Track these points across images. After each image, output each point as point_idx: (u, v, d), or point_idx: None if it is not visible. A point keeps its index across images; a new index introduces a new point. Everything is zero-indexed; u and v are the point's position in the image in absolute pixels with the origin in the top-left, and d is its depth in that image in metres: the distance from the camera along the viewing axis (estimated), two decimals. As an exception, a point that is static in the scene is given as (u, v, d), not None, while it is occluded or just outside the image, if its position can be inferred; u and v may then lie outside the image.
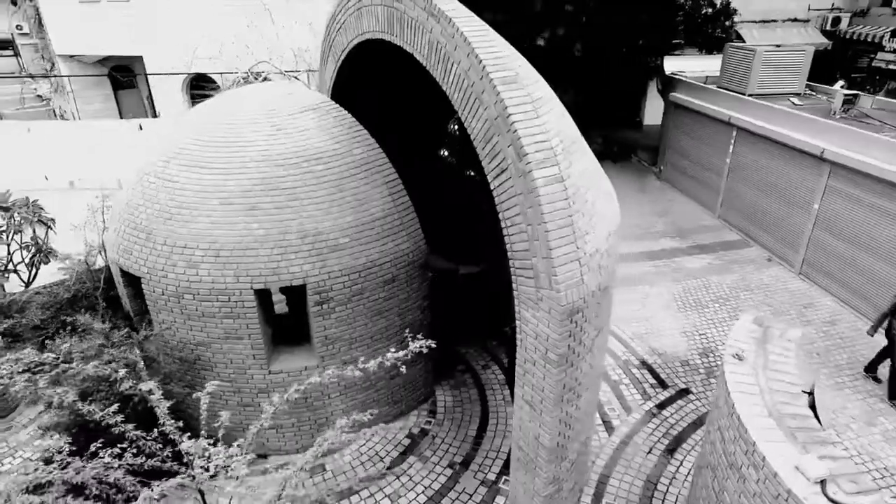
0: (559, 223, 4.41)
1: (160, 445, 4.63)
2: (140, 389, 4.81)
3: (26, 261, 8.44)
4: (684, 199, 15.10)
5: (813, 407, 4.84)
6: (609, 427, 7.24)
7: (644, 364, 8.42)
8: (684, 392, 7.86)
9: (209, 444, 4.33)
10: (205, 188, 5.95)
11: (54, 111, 25.15)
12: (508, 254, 4.82)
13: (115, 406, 4.70)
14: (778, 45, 14.14)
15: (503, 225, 4.78)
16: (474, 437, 7.11)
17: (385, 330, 6.72)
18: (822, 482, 3.69)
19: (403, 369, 5.17)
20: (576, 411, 5.20)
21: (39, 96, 29.48)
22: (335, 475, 6.57)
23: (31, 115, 24.90)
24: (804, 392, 5.04)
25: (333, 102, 6.87)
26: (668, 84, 15.96)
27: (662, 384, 8.00)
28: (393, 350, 4.77)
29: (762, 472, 3.99)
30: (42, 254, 8.22)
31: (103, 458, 4.36)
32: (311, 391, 6.55)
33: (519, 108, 4.46)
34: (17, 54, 34.68)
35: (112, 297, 6.96)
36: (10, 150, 14.97)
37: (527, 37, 14.97)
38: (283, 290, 6.39)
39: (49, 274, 8.10)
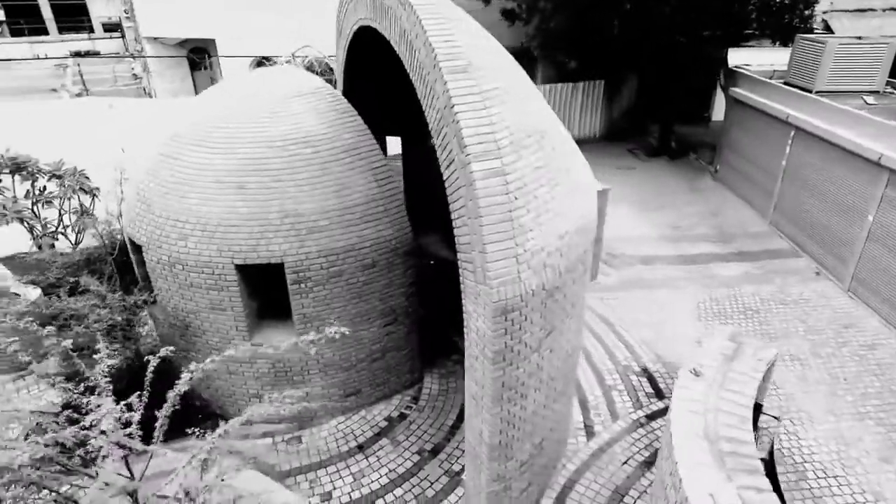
0: (496, 218, 4.32)
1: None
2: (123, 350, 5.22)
3: (72, 225, 9.31)
4: (737, 201, 14.11)
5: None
6: (590, 432, 7.02)
7: (645, 371, 8.05)
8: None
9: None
10: (199, 166, 6.30)
11: (144, 89, 27.30)
12: (457, 246, 4.79)
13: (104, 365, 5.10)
14: (859, 38, 12.78)
15: (452, 217, 4.75)
16: (450, 427, 7.13)
17: (366, 313, 6.86)
18: (731, 513, 3.44)
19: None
20: (522, 411, 5.10)
21: (135, 75, 32.07)
22: (308, 448, 6.83)
23: (123, 93, 27.15)
24: (773, 416, 4.68)
25: (330, 88, 7.03)
26: (730, 78, 14.89)
27: (659, 394, 7.63)
28: (332, 332, 4.86)
29: (679, 496, 3.76)
30: (84, 219, 9.03)
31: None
32: (290, 365, 6.86)
33: (464, 98, 4.39)
34: (123, 36, 37.70)
35: (128, 264, 7.56)
36: (93, 124, 16.45)
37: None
38: (265, 267, 6.65)
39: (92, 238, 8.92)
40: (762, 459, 4.41)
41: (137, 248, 6.85)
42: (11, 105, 18.04)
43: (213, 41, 20.77)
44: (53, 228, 9.23)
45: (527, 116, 4.89)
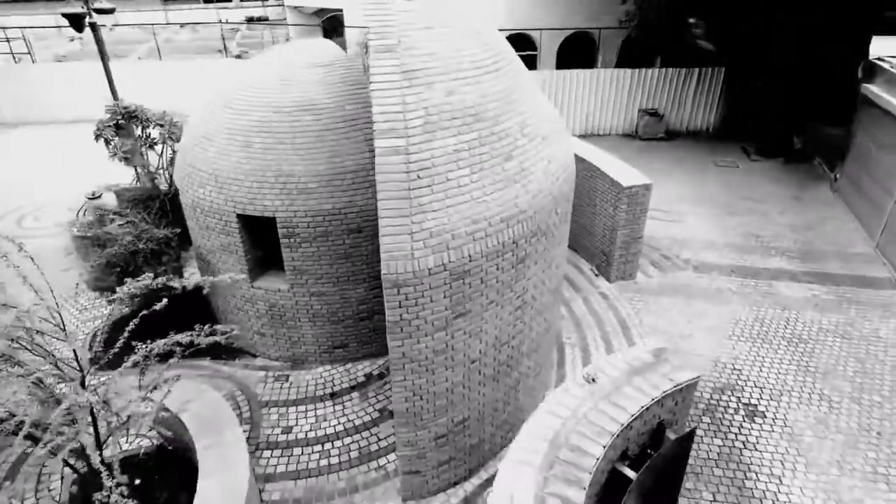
0: (392, 194, 4.51)
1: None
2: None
3: (165, 167, 10.98)
4: (847, 216, 12.19)
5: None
6: (551, 427, 6.90)
7: (638, 380, 7.60)
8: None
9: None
10: (220, 124, 7.17)
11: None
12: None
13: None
14: None
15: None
16: (419, 394, 7.44)
17: (352, 274, 7.36)
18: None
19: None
20: (431, 385, 5.28)
21: (287, 39, 35.36)
22: (291, 386, 7.60)
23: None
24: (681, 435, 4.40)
25: (347, 60, 7.47)
26: (869, 72, 12.68)
27: (642, 405, 7.19)
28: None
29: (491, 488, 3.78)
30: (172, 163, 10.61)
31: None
32: (285, 311, 7.63)
33: (382, 76, 4.59)
34: (281, 4, 41.55)
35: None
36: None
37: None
38: (262, 220, 7.31)
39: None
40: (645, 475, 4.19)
41: (177, 192, 8.01)
42: (180, 63, 21.00)
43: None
44: (153, 168, 10.95)
45: (462, 99, 4.91)
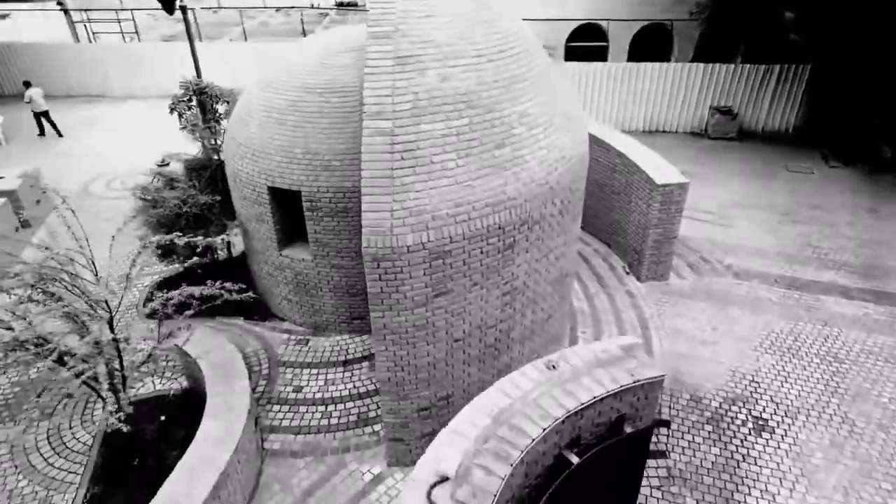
0: (376, 173, 4.79)
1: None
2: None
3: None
4: (928, 234, 11.09)
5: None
6: (545, 416, 6.97)
7: (646, 381, 7.46)
8: (659, 423, 6.84)
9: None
10: (260, 102, 7.74)
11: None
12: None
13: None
14: None
15: (369, 168, 5.28)
16: (425, 371, 7.75)
17: (370, 250, 7.73)
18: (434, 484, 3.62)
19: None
20: (412, 358, 5.55)
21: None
22: (309, 350, 8.14)
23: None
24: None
25: (380, 46, 7.77)
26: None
27: (643, 406, 7.08)
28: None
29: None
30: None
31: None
32: (308, 280, 8.16)
33: (375, 61, 4.87)
34: (364, -12, 42.49)
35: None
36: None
37: None
38: (289, 193, 7.79)
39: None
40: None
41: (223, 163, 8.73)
42: (262, 45, 22.35)
43: None
44: (215, 141, 11.86)
45: (456, 86, 5.08)
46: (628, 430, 4.51)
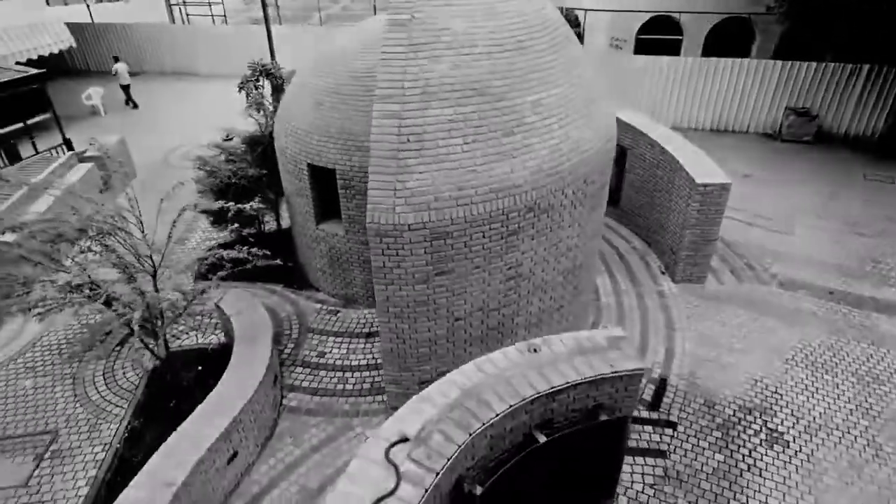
0: (382, 153, 5.09)
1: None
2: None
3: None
4: None
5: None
6: (550, 404, 7.07)
7: (661, 382, 7.38)
8: (667, 424, 6.78)
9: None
10: (304, 84, 8.22)
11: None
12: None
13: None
14: None
15: (387, 150, 5.58)
16: (441, 349, 8.02)
17: (398, 230, 8.08)
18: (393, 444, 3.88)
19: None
20: (413, 332, 5.85)
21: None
22: (338, 320, 8.62)
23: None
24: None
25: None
26: None
27: (652, 406, 7.02)
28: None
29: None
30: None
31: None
32: (341, 254, 8.63)
33: (391, 48, 5.15)
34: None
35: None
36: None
37: None
38: (326, 170, 8.22)
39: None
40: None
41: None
42: (333, 29, 23.25)
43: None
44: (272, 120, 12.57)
45: (468, 73, 5.25)
46: (603, 418, 4.58)
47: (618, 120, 10.26)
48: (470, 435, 3.97)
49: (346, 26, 24.67)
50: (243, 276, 8.69)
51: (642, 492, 5.99)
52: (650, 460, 6.32)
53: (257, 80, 12.67)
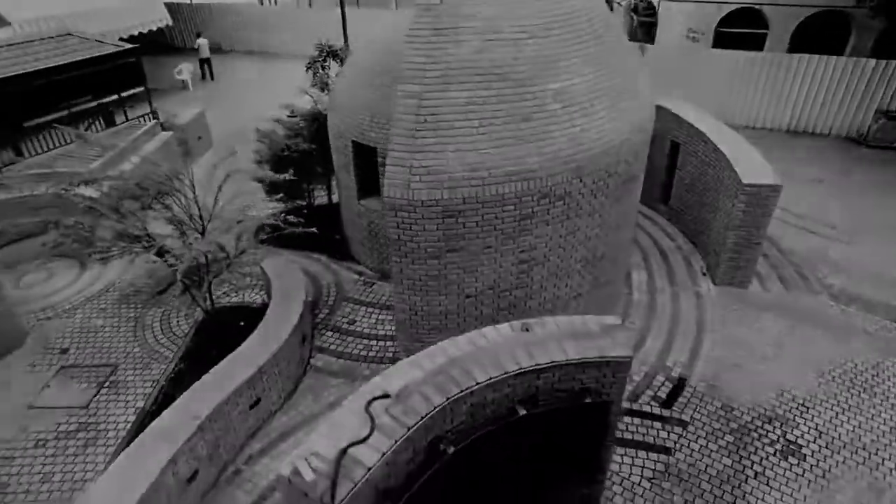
0: (402, 132, 5.39)
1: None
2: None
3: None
4: None
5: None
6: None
7: (678, 381, 7.26)
8: (678, 422, 6.71)
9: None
10: (355, 63, 8.64)
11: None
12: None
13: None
14: None
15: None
16: (465, 328, 8.28)
17: (432, 210, 8.38)
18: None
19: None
20: (426, 306, 6.16)
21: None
22: (372, 292, 9.07)
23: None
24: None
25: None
26: None
27: (666, 403, 6.95)
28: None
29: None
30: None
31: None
32: (378, 229, 9.06)
33: (416, 31, 5.42)
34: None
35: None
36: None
37: None
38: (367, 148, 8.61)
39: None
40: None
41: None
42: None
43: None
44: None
45: (491, 58, 5.42)
46: (587, 401, 4.69)
47: (673, 115, 10.01)
48: (447, 399, 4.22)
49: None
50: (292, 245, 9.39)
51: (639, 484, 6.01)
52: (653, 455, 6.31)
53: (324, 61, 13.28)
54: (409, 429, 3.98)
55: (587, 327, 4.94)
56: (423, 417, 4.07)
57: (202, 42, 20.83)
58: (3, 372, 7.80)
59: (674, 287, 9.09)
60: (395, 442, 3.88)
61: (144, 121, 13.93)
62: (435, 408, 4.15)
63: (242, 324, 8.37)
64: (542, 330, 4.90)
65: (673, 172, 10.46)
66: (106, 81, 13.60)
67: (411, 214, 5.54)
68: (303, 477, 3.66)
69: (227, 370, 6.29)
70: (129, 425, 6.81)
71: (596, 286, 7.07)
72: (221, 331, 8.01)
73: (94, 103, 13.75)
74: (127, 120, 13.95)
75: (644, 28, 17.85)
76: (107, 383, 7.49)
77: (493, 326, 4.91)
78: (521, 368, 4.50)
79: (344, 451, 3.82)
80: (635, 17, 16.46)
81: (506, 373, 4.47)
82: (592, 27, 6.16)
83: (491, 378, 4.42)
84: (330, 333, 8.26)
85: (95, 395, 7.29)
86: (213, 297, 8.21)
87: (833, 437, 6.52)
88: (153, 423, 5.65)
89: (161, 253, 6.80)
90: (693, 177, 9.91)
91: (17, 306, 8.74)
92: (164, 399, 7.16)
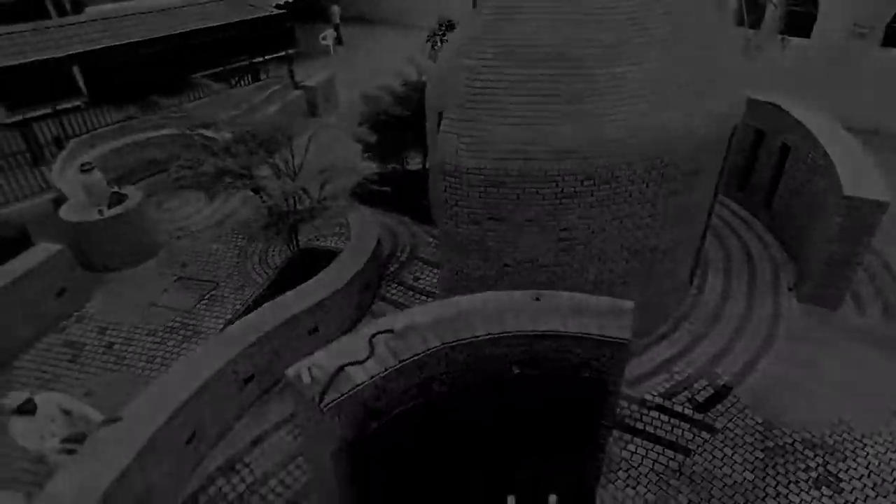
0: (455, 102, 5.81)
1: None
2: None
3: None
4: None
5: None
6: (596, 375, 7.25)
7: (723, 388, 6.98)
8: (707, 427, 6.52)
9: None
10: (454, 36, 9.07)
11: None
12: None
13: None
14: None
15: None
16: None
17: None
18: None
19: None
20: (469, 270, 6.58)
21: None
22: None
23: None
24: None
25: None
26: None
27: (702, 407, 6.75)
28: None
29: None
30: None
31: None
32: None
33: (481, 10, 5.73)
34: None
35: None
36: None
37: None
38: None
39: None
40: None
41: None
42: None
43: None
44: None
45: (552, 37, 5.59)
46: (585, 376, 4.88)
47: (786, 115, 9.27)
48: (442, 344, 4.69)
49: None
50: (382, 204, 10.38)
51: (645, 475, 6.03)
52: (669, 452, 6.26)
53: (444, 35, 13.92)
54: (400, 361, 4.52)
55: (597, 307, 5.08)
56: (415, 355, 4.59)
57: (335, 9, 23.04)
58: (141, 274, 9.60)
59: (750, 296, 8.56)
60: (385, 370, 4.45)
61: (282, 80, 15.63)
62: (428, 349, 4.65)
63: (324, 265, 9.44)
64: (551, 302, 5.14)
65: (779, 177, 9.68)
66: (262, 43, 15.45)
67: (457, 180, 5.96)
68: (302, 380, 4.37)
69: (291, 300, 7.27)
70: (217, 331, 8.12)
71: (649, 277, 6.98)
72: (306, 267, 9.10)
73: (246, 62, 15.69)
74: (268, 77, 15.75)
75: (786, 19, 16.01)
76: (208, 296, 8.93)
77: (507, 292, 5.25)
78: (518, 331, 4.82)
79: (341, 368, 4.47)
80: (774, 4, 14.90)
81: (504, 332, 4.82)
82: (667, 11, 6.00)
83: (489, 334, 4.80)
84: (395, 286, 9.02)
85: (197, 304, 8.75)
86: (305, 239, 9.33)
87: (883, 479, 5.96)
88: (227, 328, 6.79)
89: (257, 190, 7.94)
90: (799, 183, 9.12)
91: (157, 225, 10.62)
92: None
